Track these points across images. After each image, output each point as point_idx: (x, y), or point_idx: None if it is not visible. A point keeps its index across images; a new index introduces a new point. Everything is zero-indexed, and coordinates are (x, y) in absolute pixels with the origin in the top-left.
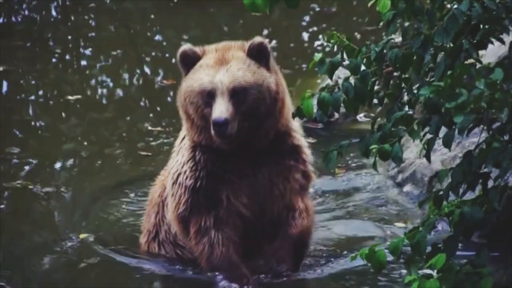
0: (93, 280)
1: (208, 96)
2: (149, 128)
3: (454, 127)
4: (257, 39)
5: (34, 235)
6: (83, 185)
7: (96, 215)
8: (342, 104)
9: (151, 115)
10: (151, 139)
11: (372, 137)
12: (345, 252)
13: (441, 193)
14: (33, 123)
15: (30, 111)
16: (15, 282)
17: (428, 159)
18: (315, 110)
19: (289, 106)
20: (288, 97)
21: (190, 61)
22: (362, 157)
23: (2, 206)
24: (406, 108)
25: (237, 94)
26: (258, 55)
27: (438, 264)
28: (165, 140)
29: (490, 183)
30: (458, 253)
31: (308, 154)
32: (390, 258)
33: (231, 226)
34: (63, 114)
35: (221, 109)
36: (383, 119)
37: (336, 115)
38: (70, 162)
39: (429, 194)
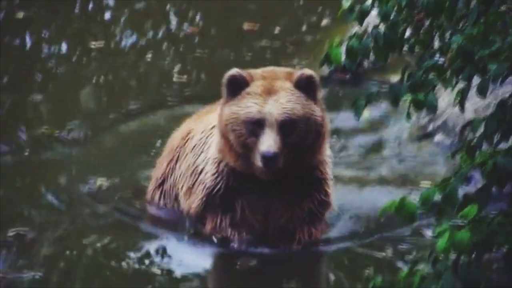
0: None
1: (254, 126)
2: (174, 76)
3: (487, 75)
4: (307, 71)
5: (54, 180)
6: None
7: (116, 161)
8: (371, 52)
9: (175, 62)
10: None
11: (402, 86)
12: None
13: (474, 142)
14: (54, 70)
15: (51, 59)
16: (34, 226)
17: (462, 108)
18: (343, 58)
19: (327, 140)
20: (328, 131)
21: (237, 86)
22: (390, 108)
23: (26, 153)
24: (437, 56)
25: (285, 126)
26: (306, 87)
27: (469, 214)
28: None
29: None
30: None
31: (330, 186)
32: None
33: (247, 231)
34: (84, 60)
35: (270, 142)
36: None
37: (365, 64)
38: (90, 107)
39: (462, 144)
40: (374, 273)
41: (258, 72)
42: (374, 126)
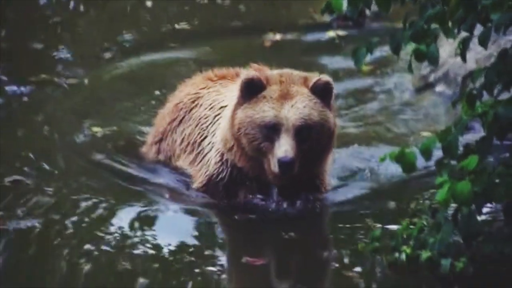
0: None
1: (269, 130)
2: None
3: (490, 24)
4: (324, 77)
5: (54, 125)
6: (102, 77)
7: (114, 110)
8: (373, 1)
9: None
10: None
11: (404, 34)
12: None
13: (474, 92)
14: (52, 18)
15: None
16: (30, 174)
17: (464, 58)
18: (345, 5)
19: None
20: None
21: (254, 89)
22: (391, 57)
23: (25, 99)
24: (440, 5)
25: (301, 132)
26: (322, 93)
27: (470, 165)
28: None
29: None
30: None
31: (328, 185)
32: None
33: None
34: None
35: (287, 147)
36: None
37: (367, 13)
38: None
39: (463, 93)
40: (374, 225)
41: (274, 75)
42: (375, 74)
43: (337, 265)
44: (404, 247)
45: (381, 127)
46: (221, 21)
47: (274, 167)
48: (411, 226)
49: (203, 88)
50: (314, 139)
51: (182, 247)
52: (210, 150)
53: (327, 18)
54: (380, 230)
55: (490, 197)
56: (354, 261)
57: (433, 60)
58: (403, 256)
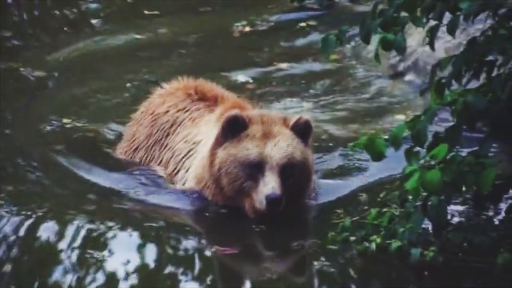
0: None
1: (253, 169)
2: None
3: (459, 13)
4: (304, 117)
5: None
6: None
7: (88, 100)
8: None
9: None
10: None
11: (373, 22)
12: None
13: (443, 81)
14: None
15: None
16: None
17: (432, 47)
18: None
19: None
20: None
21: (237, 128)
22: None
23: None
24: None
25: (285, 170)
26: (302, 132)
27: (439, 154)
28: None
29: (495, 72)
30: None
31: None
32: None
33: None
34: None
35: (274, 185)
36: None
37: None
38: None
39: (431, 82)
40: (344, 216)
41: (256, 115)
42: (344, 62)
43: (307, 255)
44: (374, 237)
45: (350, 115)
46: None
47: (261, 205)
48: (381, 215)
49: (182, 110)
50: (296, 177)
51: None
52: (183, 185)
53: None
54: (350, 220)
55: (460, 187)
56: (325, 251)
57: (400, 49)
58: (373, 246)
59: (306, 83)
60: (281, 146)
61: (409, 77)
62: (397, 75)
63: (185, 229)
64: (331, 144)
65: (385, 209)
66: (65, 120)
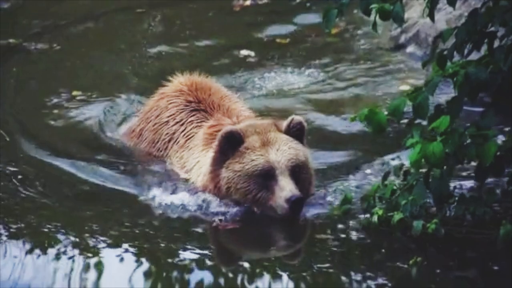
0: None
1: (263, 178)
2: None
3: None
4: (296, 118)
5: (31, 89)
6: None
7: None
8: None
9: None
10: None
11: None
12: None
13: (445, 52)
14: None
15: None
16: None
17: (432, 18)
18: None
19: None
20: None
21: (235, 142)
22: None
23: None
24: None
25: (294, 172)
26: (297, 133)
27: (441, 126)
28: None
29: (496, 43)
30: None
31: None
32: None
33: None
34: None
35: (291, 187)
36: None
37: None
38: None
39: (433, 54)
40: (346, 186)
41: (248, 127)
42: (345, 35)
43: (310, 228)
44: (376, 209)
45: (352, 87)
46: None
47: (283, 210)
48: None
49: (179, 123)
50: (304, 177)
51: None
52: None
53: None
54: (353, 192)
55: (461, 159)
56: (327, 223)
57: (398, 19)
58: (375, 218)
59: (307, 56)
60: (284, 150)
61: (410, 49)
62: (398, 47)
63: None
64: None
65: (386, 182)
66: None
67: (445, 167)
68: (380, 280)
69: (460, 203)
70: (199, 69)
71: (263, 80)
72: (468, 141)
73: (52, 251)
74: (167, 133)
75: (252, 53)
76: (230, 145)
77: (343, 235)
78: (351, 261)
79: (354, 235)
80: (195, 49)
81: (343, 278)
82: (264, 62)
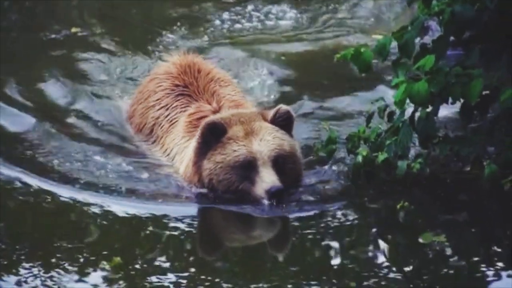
0: None
1: (245, 169)
2: None
3: None
4: (283, 107)
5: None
6: None
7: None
8: None
9: None
10: None
11: None
12: None
13: None
14: None
15: None
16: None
17: None
18: None
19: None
20: None
21: (218, 133)
22: None
23: None
24: None
25: (277, 163)
26: (284, 123)
27: (426, 65)
28: None
29: None
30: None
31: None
32: None
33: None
34: None
35: (272, 178)
36: None
37: None
38: None
39: None
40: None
41: (232, 117)
42: None
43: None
44: (361, 149)
45: (334, 27)
46: None
47: (262, 200)
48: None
49: (164, 107)
50: (288, 168)
51: None
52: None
53: None
54: (336, 133)
55: (447, 98)
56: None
57: None
58: (360, 158)
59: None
60: (268, 140)
61: None
62: None
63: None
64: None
65: (371, 125)
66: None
67: (430, 107)
68: (368, 226)
69: (445, 142)
70: None
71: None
72: (454, 80)
73: None
74: (152, 117)
75: None
76: (213, 135)
77: (327, 178)
78: (338, 208)
79: (339, 177)
80: None
81: (331, 225)
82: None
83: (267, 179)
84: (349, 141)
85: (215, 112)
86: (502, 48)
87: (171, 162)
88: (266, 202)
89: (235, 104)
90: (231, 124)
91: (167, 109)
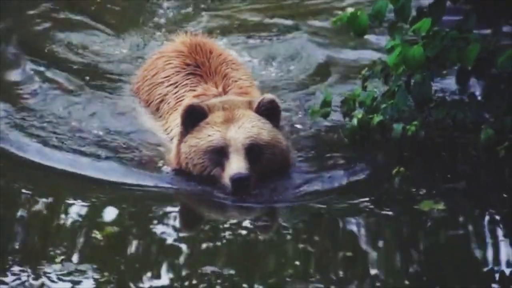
0: None
1: (218, 155)
2: None
3: None
4: (268, 96)
5: None
6: None
7: None
8: None
9: None
10: None
11: None
12: None
13: None
14: None
15: None
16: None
17: None
18: None
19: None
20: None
21: (196, 117)
22: None
23: None
24: None
25: (252, 151)
26: (268, 113)
27: (422, 29)
28: None
29: None
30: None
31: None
32: None
33: None
34: None
35: (238, 165)
36: None
37: None
38: None
39: None
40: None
41: (216, 103)
42: None
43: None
44: (356, 112)
45: None
46: None
47: (228, 188)
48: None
49: (173, 85)
50: (267, 159)
51: None
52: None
53: None
54: (331, 95)
55: (443, 62)
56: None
57: None
58: (355, 121)
59: None
60: (245, 127)
61: None
62: None
63: None
64: None
65: (369, 89)
66: None
67: (426, 71)
68: (363, 195)
69: (441, 106)
70: None
71: None
72: (450, 44)
73: None
74: (160, 93)
75: None
76: (192, 119)
77: (323, 142)
78: (334, 177)
79: (335, 141)
80: None
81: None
82: None
83: (234, 165)
84: (344, 104)
85: (217, 96)
86: (498, 13)
87: (169, 141)
88: (229, 188)
89: (243, 91)
90: (214, 110)
91: (176, 86)
